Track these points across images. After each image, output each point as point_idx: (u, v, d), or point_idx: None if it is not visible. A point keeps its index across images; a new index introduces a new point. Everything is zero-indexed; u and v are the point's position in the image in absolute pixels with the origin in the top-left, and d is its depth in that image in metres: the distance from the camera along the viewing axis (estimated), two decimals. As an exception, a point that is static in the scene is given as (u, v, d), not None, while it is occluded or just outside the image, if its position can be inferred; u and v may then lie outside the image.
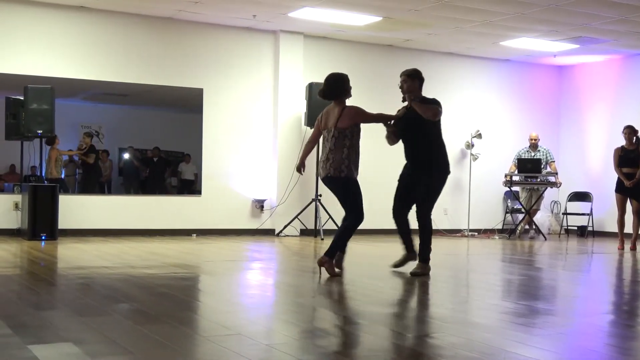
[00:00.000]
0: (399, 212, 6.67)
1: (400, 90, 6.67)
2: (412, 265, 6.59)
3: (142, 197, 11.70)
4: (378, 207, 12.18)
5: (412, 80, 6.62)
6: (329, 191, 11.32)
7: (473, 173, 12.78)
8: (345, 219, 6.40)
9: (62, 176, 12.54)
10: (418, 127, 6.49)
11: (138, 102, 12.78)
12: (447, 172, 6.66)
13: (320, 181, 11.06)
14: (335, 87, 6.36)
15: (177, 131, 13.82)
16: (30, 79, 9.86)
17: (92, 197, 11.19)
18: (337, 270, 6.28)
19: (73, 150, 13.12)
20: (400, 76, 6.70)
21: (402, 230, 6.70)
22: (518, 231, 12.35)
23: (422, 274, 6.45)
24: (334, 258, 6.28)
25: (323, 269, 6.29)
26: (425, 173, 6.55)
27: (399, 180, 6.75)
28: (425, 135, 6.53)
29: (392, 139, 6.73)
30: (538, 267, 8.19)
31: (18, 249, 8.28)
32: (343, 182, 6.25)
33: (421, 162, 6.58)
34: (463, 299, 5.73)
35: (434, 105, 6.48)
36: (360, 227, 12.34)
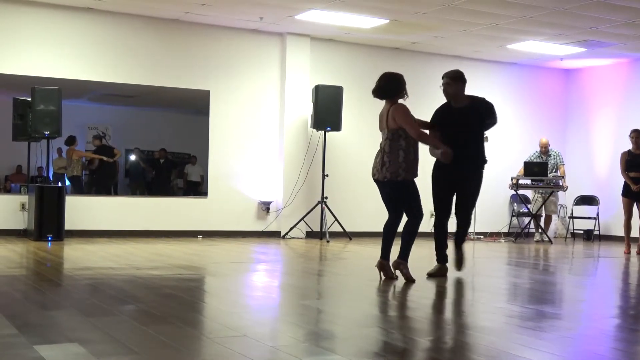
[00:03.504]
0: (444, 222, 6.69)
1: (444, 94, 6.53)
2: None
3: (148, 198, 11.71)
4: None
5: (456, 83, 6.50)
6: (335, 193, 11.41)
7: (479, 176, 12.76)
8: (389, 223, 6.31)
9: (82, 175, 12.65)
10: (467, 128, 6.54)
11: (145, 103, 12.79)
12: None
13: (325, 183, 11.14)
14: (385, 86, 6.23)
15: (183, 133, 13.83)
16: (38, 80, 9.89)
17: (98, 198, 11.21)
18: (396, 273, 6.30)
19: (86, 153, 13.16)
20: (443, 78, 6.51)
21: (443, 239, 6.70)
22: (539, 236, 12.28)
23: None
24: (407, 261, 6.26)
25: (398, 271, 6.29)
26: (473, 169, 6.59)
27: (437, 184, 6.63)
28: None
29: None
30: (544, 270, 8.17)
31: (24, 250, 8.31)
32: (400, 185, 6.11)
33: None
34: (469, 302, 5.72)
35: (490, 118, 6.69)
36: (366, 229, 12.37)
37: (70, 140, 12.19)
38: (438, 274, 6.60)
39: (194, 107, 12.21)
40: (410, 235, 6.24)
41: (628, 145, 10.35)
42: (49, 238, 9.29)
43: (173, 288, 5.58)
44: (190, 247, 9.21)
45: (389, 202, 6.27)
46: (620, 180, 10.33)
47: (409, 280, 6.17)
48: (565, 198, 13.23)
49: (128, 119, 14.09)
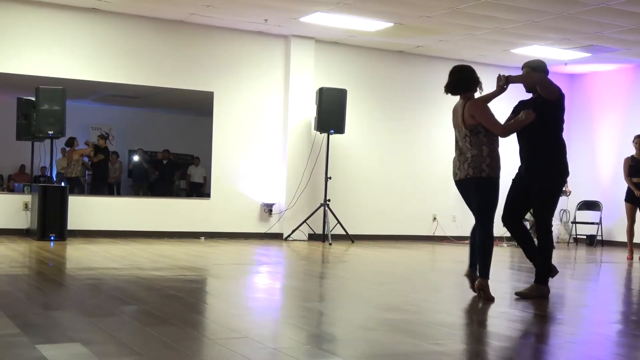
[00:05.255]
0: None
1: (524, 86, 6.00)
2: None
3: (151, 199, 11.71)
4: (388, 213, 12.19)
5: (537, 74, 5.88)
6: (338, 196, 11.41)
7: (482, 180, 12.75)
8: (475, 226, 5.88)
9: (86, 176, 12.65)
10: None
11: (148, 104, 12.80)
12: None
13: (328, 186, 11.15)
14: (458, 79, 5.65)
15: (187, 134, 13.84)
16: (42, 80, 9.92)
17: (101, 199, 11.22)
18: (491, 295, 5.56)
19: (86, 149, 13.18)
20: (522, 68, 6.01)
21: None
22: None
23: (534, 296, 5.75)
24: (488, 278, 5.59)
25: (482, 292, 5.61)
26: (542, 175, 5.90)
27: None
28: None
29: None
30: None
31: (27, 249, 8.32)
32: (484, 182, 5.71)
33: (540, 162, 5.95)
34: (471, 306, 5.71)
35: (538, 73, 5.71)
36: (368, 232, 12.34)
37: (70, 142, 12.18)
38: (529, 295, 5.79)
39: (197, 108, 12.22)
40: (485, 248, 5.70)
41: (632, 151, 10.33)
42: (52, 238, 9.31)
43: (175, 289, 5.58)
44: (193, 249, 9.21)
45: (473, 203, 5.82)
46: (624, 186, 10.32)
47: (488, 300, 5.49)
48: (568, 203, 13.21)
49: (132, 120, 14.11)
